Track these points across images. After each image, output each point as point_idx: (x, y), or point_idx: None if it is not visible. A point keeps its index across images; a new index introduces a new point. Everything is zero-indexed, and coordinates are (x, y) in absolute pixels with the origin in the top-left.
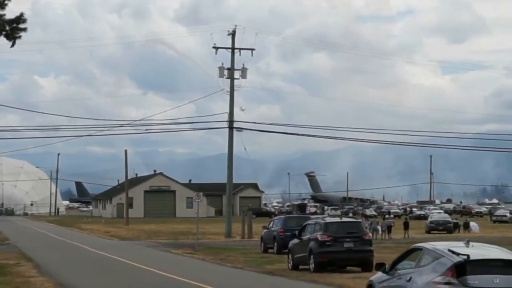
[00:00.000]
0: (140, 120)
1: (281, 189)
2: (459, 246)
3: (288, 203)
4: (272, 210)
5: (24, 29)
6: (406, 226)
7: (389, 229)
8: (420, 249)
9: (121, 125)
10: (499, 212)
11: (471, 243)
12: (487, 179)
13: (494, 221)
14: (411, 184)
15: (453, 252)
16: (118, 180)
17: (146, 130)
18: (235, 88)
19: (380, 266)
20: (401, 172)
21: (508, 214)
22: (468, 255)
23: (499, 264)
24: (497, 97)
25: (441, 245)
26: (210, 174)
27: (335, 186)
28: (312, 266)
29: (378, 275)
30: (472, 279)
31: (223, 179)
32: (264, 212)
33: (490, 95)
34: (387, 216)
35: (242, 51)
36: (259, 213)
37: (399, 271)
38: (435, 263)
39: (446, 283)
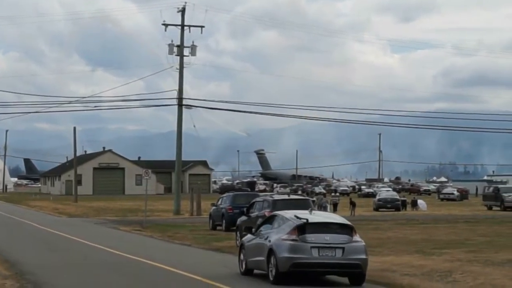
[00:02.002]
0: (89, 97)
1: (227, 167)
2: (303, 213)
3: (237, 181)
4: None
5: None
6: (352, 204)
7: (335, 206)
8: (276, 215)
9: (70, 102)
10: (447, 190)
11: (313, 211)
12: (428, 157)
13: (442, 199)
14: (360, 162)
15: (297, 217)
16: (67, 157)
17: (95, 107)
18: (184, 65)
19: (249, 230)
20: (346, 150)
21: (455, 192)
22: (307, 219)
23: (330, 226)
24: (446, 76)
25: (290, 212)
26: (160, 152)
27: (282, 164)
28: None
29: (247, 236)
30: (310, 237)
31: (173, 157)
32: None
33: (439, 73)
34: (333, 194)
35: (192, 28)
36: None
37: (261, 232)
38: (285, 225)
39: (291, 240)
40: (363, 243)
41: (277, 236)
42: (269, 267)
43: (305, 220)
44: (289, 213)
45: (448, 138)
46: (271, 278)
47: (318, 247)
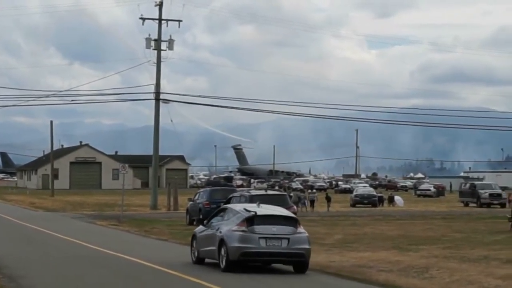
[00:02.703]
0: (66, 90)
1: (204, 162)
2: (252, 206)
3: (214, 176)
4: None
5: None
6: (328, 199)
7: (312, 203)
8: (226, 208)
9: (47, 96)
10: (424, 186)
11: (261, 205)
12: (404, 152)
13: (419, 195)
14: (337, 158)
15: (246, 210)
16: (44, 151)
17: (72, 101)
18: (162, 59)
19: (201, 221)
20: (323, 146)
21: (432, 188)
22: (255, 212)
23: (276, 218)
24: (423, 72)
25: (240, 206)
26: (136, 146)
27: (258, 159)
28: None
29: (199, 228)
30: (258, 228)
31: (149, 151)
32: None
33: (416, 70)
34: (309, 190)
35: (169, 22)
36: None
37: (213, 224)
38: (235, 217)
39: (241, 231)
40: (307, 234)
41: (228, 227)
42: (220, 256)
43: (253, 213)
44: (238, 206)
45: (423, 134)
46: (222, 266)
47: (266, 238)
